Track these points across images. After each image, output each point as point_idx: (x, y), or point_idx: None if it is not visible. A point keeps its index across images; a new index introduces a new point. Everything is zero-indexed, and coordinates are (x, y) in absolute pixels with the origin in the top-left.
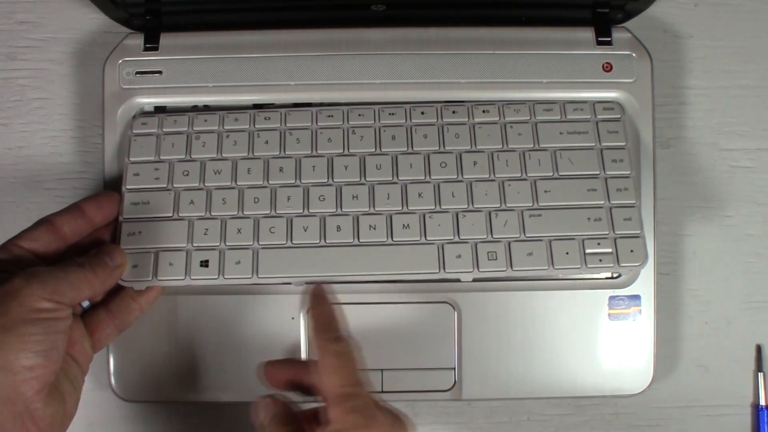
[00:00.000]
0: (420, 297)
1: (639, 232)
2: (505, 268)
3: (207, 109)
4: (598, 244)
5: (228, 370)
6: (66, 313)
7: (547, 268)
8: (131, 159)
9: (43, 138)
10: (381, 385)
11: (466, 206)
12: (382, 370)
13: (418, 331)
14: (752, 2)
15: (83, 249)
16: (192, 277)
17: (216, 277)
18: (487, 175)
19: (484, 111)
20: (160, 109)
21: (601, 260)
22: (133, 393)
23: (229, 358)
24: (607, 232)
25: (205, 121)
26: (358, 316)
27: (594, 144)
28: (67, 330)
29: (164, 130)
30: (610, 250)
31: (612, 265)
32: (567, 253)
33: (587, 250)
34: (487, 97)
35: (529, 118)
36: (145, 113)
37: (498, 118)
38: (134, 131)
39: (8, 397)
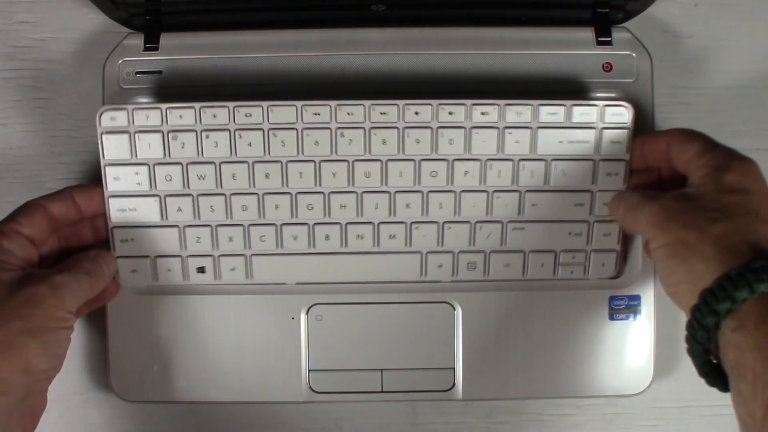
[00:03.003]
0: (420, 297)
1: (616, 247)
2: (482, 277)
3: (193, 99)
4: (573, 257)
5: (228, 370)
6: (74, 320)
7: (520, 278)
8: (107, 160)
9: (43, 138)
10: (381, 385)
11: (453, 217)
12: (382, 370)
13: (418, 331)
14: (752, 2)
15: (67, 240)
16: (191, 282)
17: (213, 281)
18: (477, 185)
19: (482, 113)
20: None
21: (572, 272)
22: (133, 393)
23: (229, 358)
24: (584, 247)
25: (180, 117)
26: (358, 316)
27: (592, 155)
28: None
29: (136, 125)
30: (582, 262)
31: (580, 277)
32: (542, 265)
33: (561, 261)
34: (487, 97)
35: (530, 120)
36: (111, 106)
37: (497, 120)
38: (103, 127)
39: (24, 397)
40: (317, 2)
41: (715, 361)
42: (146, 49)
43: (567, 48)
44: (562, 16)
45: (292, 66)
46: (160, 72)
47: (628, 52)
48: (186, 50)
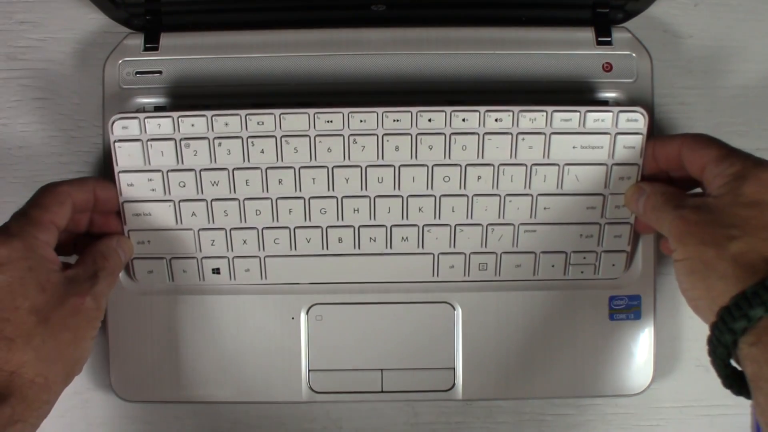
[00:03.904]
0: (420, 297)
1: (626, 248)
2: (493, 278)
3: (204, 108)
4: (584, 258)
5: (228, 370)
6: None
7: (531, 278)
8: (120, 168)
9: (43, 138)
10: (381, 385)
11: (465, 220)
12: (382, 370)
13: (418, 331)
14: (752, 2)
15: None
16: (206, 283)
17: (229, 282)
18: (490, 189)
19: (496, 120)
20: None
21: (582, 272)
22: (133, 393)
23: (229, 358)
24: (595, 248)
25: (192, 125)
26: (358, 316)
27: (606, 159)
28: None
29: (148, 134)
30: (593, 263)
31: (590, 276)
32: (552, 266)
33: (571, 262)
34: (487, 97)
35: (544, 126)
36: (122, 114)
37: (511, 126)
38: (115, 135)
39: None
40: (317, 2)
41: (740, 369)
42: (146, 49)
43: (567, 48)
44: (562, 16)
45: (293, 66)
46: (160, 72)
47: (628, 52)
48: (186, 50)
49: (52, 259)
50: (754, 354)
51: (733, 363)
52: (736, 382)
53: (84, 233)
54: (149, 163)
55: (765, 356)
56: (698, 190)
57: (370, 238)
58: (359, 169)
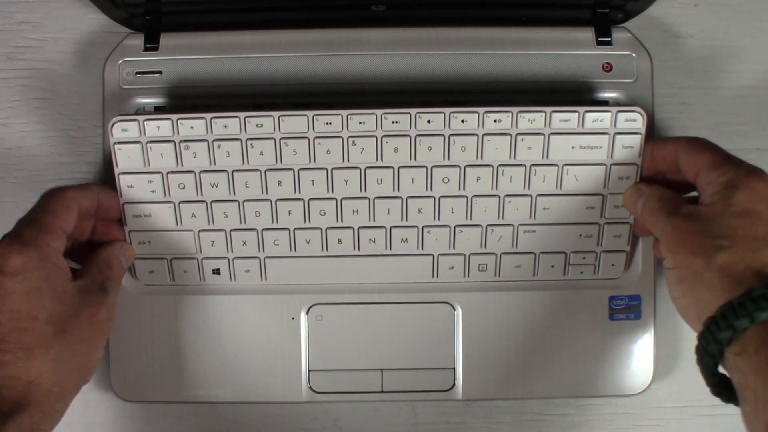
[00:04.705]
0: (420, 297)
1: (625, 248)
2: (493, 278)
3: (203, 109)
4: (584, 258)
5: (228, 370)
6: None
7: (531, 278)
8: (120, 169)
9: (43, 138)
10: (381, 385)
11: (464, 221)
12: (382, 370)
13: (418, 331)
14: (752, 2)
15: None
16: (207, 283)
17: (229, 282)
18: (489, 190)
19: (495, 121)
20: (141, 110)
21: (582, 272)
22: (133, 393)
23: (229, 358)
24: (594, 248)
25: (192, 128)
26: (358, 316)
27: (605, 159)
28: None
29: (148, 136)
30: (593, 263)
31: (590, 277)
32: (552, 266)
33: (571, 262)
34: (487, 97)
35: (543, 127)
36: (122, 116)
37: (510, 127)
38: (115, 137)
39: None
40: (317, 2)
41: (728, 375)
42: (146, 49)
43: (567, 48)
44: (562, 16)
45: (292, 66)
46: (160, 72)
47: (628, 52)
48: (186, 50)
49: (64, 267)
50: (739, 364)
51: (724, 371)
52: (725, 391)
53: (85, 241)
54: (149, 165)
55: (750, 366)
56: (695, 193)
57: (370, 239)
58: (358, 170)
